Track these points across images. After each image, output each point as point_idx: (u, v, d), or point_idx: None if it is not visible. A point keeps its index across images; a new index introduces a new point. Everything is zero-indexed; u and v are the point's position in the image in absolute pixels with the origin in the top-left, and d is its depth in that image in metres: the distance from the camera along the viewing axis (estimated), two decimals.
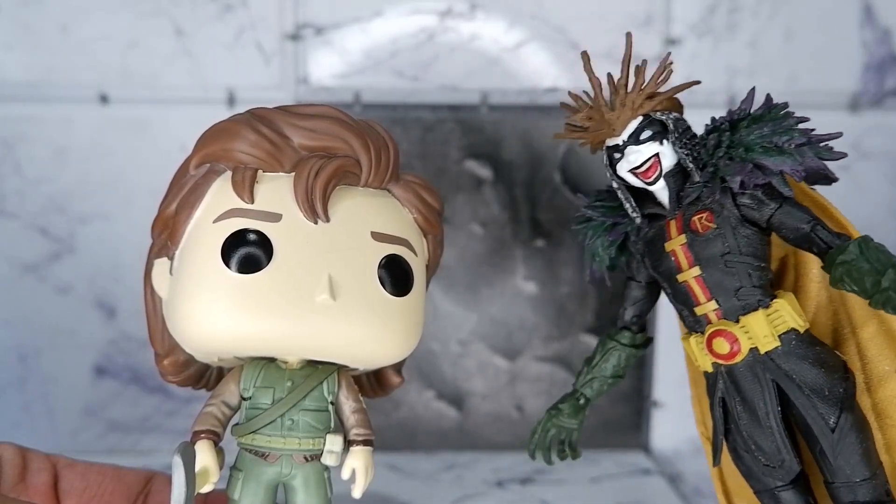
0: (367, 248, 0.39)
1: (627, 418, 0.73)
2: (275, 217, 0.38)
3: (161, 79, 0.67)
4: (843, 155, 0.39)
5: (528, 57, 0.68)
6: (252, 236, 0.38)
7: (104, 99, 0.67)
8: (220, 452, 0.38)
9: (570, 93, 0.42)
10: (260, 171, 0.39)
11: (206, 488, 0.38)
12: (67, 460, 0.43)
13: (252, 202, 0.38)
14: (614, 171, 0.41)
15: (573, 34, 0.68)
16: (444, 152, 0.69)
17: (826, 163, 0.39)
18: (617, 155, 0.41)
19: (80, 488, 0.42)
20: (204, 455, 0.37)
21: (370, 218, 0.40)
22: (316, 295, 0.37)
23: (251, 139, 0.39)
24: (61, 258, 0.68)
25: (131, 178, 0.67)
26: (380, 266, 0.39)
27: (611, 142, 0.41)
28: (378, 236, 0.40)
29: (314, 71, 0.68)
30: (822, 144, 0.39)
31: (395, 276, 0.40)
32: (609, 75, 0.40)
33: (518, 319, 0.71)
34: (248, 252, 0.37)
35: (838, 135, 0.39)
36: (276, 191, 0.39)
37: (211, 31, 0.67)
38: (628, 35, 0.40)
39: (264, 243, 0.38)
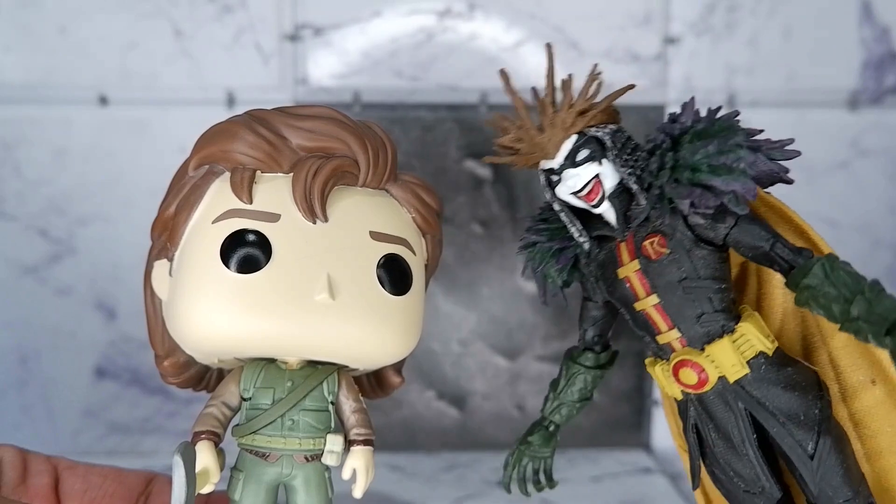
0: (365, 248, 0.39)
1: (628, 417, 0.73)
2: (273, 217, 0.38)
3: (160, 80, 0.67)
4: (797, 153, 0.36)
5: (526, 56, 0.68)
6: (251, 236, 0.38)
7: (103, 100, 0.67)
8: (220, 453, 0.38)
9: (495, 114, 0.39)
10: (258, 172, 0.39)
11: (206, 489, 0.38)
12: (68, 462, 0.43)
13: (251, 202, 0.38)
14: (554, 192, 0.38)
15: (572, 33, 0.68)
16: (443, 152, 0.69)
17: (781, 162, 0.36)
18: (554, 177, 0.38)
19: (80, 490, 0.42)
20: (204, 455, 0.37)
21: (369, 218, 0.40)
22: (315, 294, 0.37)
23: (249, 140, 0.39)
24: (61, 260, 0.68)
25: (131, 179, 0.67)
26: (378, 265, 0.39)
27: (546, 164, 0.38)
28: (377, 236, 0.40)
29: (313, 71, 0.68)
30: (772, 147, 0.36)
31: (394, 275, 0.39)
32: (534, 91, 0.38)
33: (518, 319, 0.71)
34: (247, 252, 0.37)
35: (790, 140, 0.36)
36: (274, 191, 0.39)
37: (210, 31, 0.66)
38: (548, 46, 0.37)
39: (263, 243, 0.38)
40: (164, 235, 0.40)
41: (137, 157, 0.67)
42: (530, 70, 0.68)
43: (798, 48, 0.69)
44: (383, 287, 0.39)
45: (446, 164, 0.69)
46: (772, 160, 0.36)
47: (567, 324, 0.70)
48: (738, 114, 0.37)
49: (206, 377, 0.43)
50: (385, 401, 0.45)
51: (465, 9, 0.68)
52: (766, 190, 0.39)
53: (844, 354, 0.38)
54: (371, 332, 0.39)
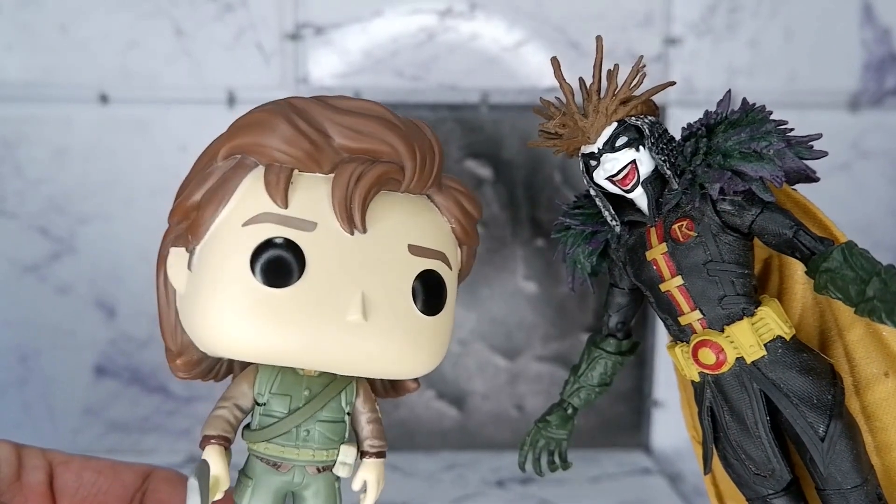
0: (402, 263, 0.37)
1: (628, 418, 0.73)
2: (309, 225, 0.35)
3: (161, 79, 0.67)
4: (824, 153, 0.38)
5: (527, 56, 0.68)
6: (285, 247, 0.35)
7: (104, 99, 0.67)
8: (227, 453, 0.37)
9: (541, 99, 0.40)
10: (295, 171, 0.36)
11: (216, 496, 0.36)
12: (63, 457, 0.42)
13: (286, 206, 0.35)
14: (591, 178, 0.40)
15: (573, 33, 0.68)
16: (444, 152, 0.69)
17: (807, 162, 0.38)
18: (593, 162, 0.39)
19: (74, 487, 0.41)
20: (216, 463, 0.36)
21: (408, 230, 0.37)
22: (348, 314, 0.35)
23: (288, 135, 0.36)
24: (61, 258, 0.68)
25: (131, 178, 0.67)
26: (414, 279, 0.37)
27: (586, 149, 0.40)
28: (415, 250, 0.37)
29: (314, 70, 0.68)
30: (801, 144, 0.38)
31: (430, 293, 0.37)
32: (581, 80, 0.39)
33: (518, 319, 0.71)
34: (279, 264, 0.35)
35: (818, 136, 0.38)
36: (311, 195, 0.36)
37: (211, 31, 0.66)
38: (598, 39, 0.39)
39: (296, 254, 0.35)
40: (185, 224, 0.37)
41: (138, 156, 0.67)
42: (531, 70, 0.68)
43: (799, 49, 0.69)
44: (415, 302, 0.37)
45: (447, 164, 0.68)
46: (801, 158, 0.38)
47: (566, 324, 0.70)
48: (764, 108, 0.39)
49: (215, 368, 0.41)
50: (384, 401, 0.45)
51: (466, 8, 0.68)
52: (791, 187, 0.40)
53: (860, 347, 0.39)
54: (399, 354, 0.37)
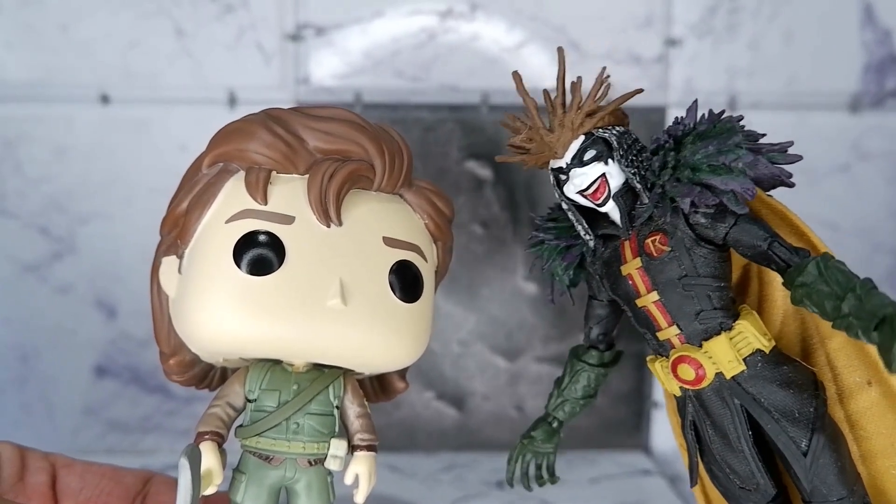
0: (378, 254, 0.39)
1: (627, 419, 0.73)
2: (288, 219, 0.38)
3: (162, 79, 0.67)
4: (798, 158, 0.37)
5: (528, 57, 0.68)
6: (265, 238, 0.37)
7: (105, 99, 0.67)
8: (222, 453, 0.38)
9: (506, 114, 0.40)
10: (273, 173, 0.39)
11: (209, 490, 0.37)
12: (66, 460, 0.43)
13: (265, 203, 0.38)
14: (562, 192, 0.40)
15: (573, 35, 0.68)
16: (444, 152, 0.69)
17: (783, 166, 0.37)
18: (563, 177, 0.39)
19: (76, 489, 0.42)
20: (208, 457, 0.37)
21: (382, 223, 0.40)
22: (327, 299, 0.37)
23: (266, 140, 0.39)
24: (62, 258, 0.68)
25: (132, 177, 0.67)
26: (391, 271, 0.39)
27: (554, 164, 0.39)
28: (390, 241, 0.39)
29: (315, 71, 0.68)
30: (773, 150, 0.37)
31: (406, 282, 0.39)
32: (545, 93, 0.39)
33: (518, 320, 0.71)
34: (260, 254, 0.37)
35: (789, 143, 0.37)
36: (289, 193, 0.38)
37: (211, 31, 0.67)
38: (560, 50, 0.38)
39: (276, 245, 0.37)
40: (175, 232, 0.40)
41: (138, 155, 0.67)
42: (532, 71, 0.68)
43: (799, 51, 0.69)
44: (394, 293, 0.39)
45: (447, 165, 0.69)
46: (773, 163, 0.37)
47: (567, 325, 0.70)
48: (741, 118, 0.38)
49: (209, 375, 0.43)
50: (381, 405, 0.45)
51: (466, 9, 0.68)
52: (767, 193, 0.39)
53: (841, 356, 0.39)
54: (381, 339, 0.39)
